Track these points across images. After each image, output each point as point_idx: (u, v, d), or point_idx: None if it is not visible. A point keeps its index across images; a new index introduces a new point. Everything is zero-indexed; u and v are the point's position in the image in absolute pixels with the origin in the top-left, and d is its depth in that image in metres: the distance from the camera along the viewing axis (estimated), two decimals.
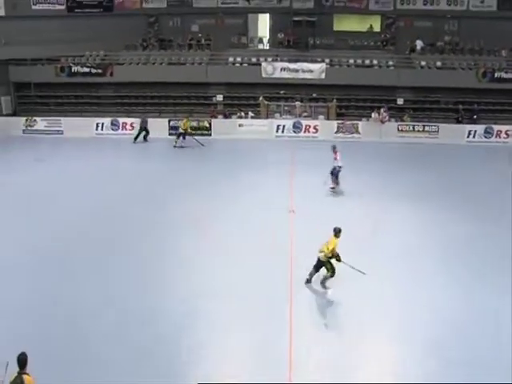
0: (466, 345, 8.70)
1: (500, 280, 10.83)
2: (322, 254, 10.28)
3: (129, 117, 26.09)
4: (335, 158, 16.67)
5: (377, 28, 30.47)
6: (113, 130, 25.80)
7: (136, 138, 24.43)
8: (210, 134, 25.35)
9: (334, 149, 16.90)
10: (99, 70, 27.92)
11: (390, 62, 28.28)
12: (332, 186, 16.89)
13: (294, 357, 8.18)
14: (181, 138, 23.26)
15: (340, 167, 16.68)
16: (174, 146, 23.22)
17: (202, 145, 23.22)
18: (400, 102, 27.63)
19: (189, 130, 23.62)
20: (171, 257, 12.05)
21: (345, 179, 17.46)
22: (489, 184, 18.35)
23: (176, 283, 10.79)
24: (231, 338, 8.85)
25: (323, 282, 10.57)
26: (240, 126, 25.91)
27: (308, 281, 10.69)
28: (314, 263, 10.53)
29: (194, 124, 25.14)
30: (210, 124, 25.70)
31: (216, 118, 26.73)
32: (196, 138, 23.55)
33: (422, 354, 8.48)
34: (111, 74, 27.86)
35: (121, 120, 25.89)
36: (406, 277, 11.07)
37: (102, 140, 24.89)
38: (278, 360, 8.12)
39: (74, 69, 27.98)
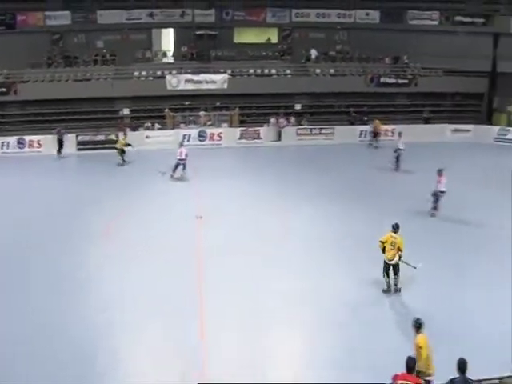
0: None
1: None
2: (394, 260, 10.59)
3: (36, 134, 25.87)
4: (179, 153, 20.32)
5: (274, 39, 32.35)
6: (19, 148, 25.59)
7: (59, 152, 24.56)
8: None
9: (179, 145, 20.94)
10: (3, 89, 27.61)
11: (288, 71, 30.24)
12: (172, 174, 20.41)
13: (207, 355, 8.91)
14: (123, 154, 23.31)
15: (181, 160, 20.19)
16: (121, 165, 23.08)
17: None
18: (298, 107, 29.55)
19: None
20: (86, 267, 12.53)
21: (244, 181, 19.18)
22: (383, 180, 20.57)
23: (92, 293, 11.26)
24: (145, 342, 9.48)
25: (396, 286, 10.92)
26: (147, 137, 26.52)
27: (388, 290, 10.91)
28: (386, 270, 10.77)
29: (102, 138, 25.73)
30: (117, 137, 26.14)
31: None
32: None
33: (331, 340, 9.56)
34: (15, 93, 27.63)
35: (27, 138, 25.71)
36: (309, 270, 12.27)
37: (8, 159, 24.50)
38: (191, 360, 8.83)
39: None
